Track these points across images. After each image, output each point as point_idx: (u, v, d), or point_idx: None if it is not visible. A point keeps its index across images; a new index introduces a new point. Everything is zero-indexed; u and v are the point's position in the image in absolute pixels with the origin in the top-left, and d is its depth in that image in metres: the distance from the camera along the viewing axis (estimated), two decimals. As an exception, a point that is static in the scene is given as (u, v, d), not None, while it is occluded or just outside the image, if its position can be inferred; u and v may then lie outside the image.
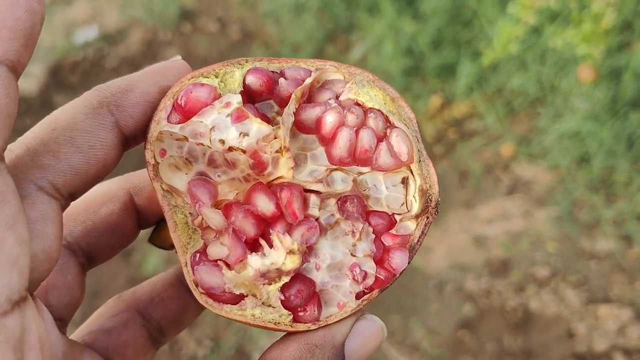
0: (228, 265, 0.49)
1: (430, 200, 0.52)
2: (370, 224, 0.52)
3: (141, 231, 0.62)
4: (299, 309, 0.50)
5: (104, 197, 0.57)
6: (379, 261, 0.52)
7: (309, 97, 0.53)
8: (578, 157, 2.36)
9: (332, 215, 0.53)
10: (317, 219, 0.52)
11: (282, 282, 0.49)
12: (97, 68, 3.01)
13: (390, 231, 0.53)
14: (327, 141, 0.51)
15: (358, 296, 0.52)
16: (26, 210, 0.39)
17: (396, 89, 0.55)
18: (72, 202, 0.46)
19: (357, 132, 0.51)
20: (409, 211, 0.53)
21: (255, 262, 0.48)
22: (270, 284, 0.49)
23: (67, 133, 0.44)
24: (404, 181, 0.53)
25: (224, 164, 0.50)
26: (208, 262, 0.49)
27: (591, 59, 2.11)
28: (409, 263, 0.52)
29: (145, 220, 0.60)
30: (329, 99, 0.52)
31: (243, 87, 0.50)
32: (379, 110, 0.52)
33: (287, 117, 0.50)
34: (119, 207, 0.57)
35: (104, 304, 0.61)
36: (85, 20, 3.21)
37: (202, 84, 0.49)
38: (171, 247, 0.58)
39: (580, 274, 2.16)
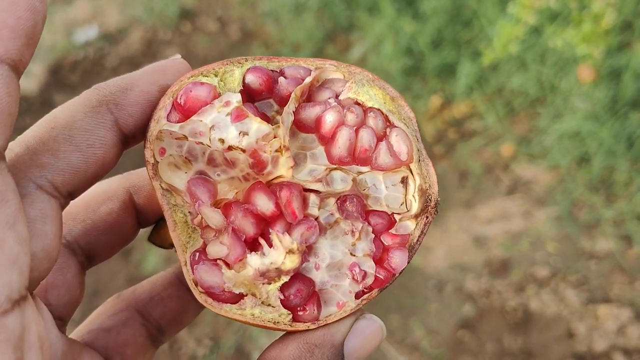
0: (227, 265, 0.49)
1: (430, 200, 0.52)
2: (369, 224, 0.52)
3: (141, 230, 0.62)
4: (298, 309, 0.50)
5: (103, 195, 0.57)
6: (379, 261, 0.52)
7: (309, 96, 0.53)
8: (578, 157, 2.36)
9: (332, 214, 0.53)
10: (316, 219, 0.52)
11: (281, 282, 0.49)
12: (98, 67, 3.01)
13: (389, 231, 0.53)
14: (327, 140, 0.51)
15: (357, 296, 0.52)
16: (25, 209, 0.39)
17: (396, 89, 0.55)
18: (72, 201, 0.46)
19: (356, 131, 0.51)
20: (408, 211, 0.53)
21: (254, 261, 0.48)
22: (270, 284, 0.49)
23: (66, 132, 0.44)
24: (404, 181, 0.53)
25: (224, 163, 0.50)
26: (207, 261, 0.49)
27: (591, 59, 2.11)
28: (408, 262, 0.52)
29: (144, 219, 0.60)
30: (329, 98, 0.52)
31: (243, 86, 0.50)
32: (378, 110, 0.52)
33: (287, 116, 0.50)
34: (119, 206, 0.57)
35: (104, 303, 0.61)
36: (86, 19, 3.21)
37: (202, 83, 0.49)
38: (170, 246, 0.58)
39: (580, 274, 2.16)
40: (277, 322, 0.49)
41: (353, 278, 0.51)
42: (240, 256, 0.48)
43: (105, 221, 0.57)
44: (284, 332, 0.51)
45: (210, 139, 0.48)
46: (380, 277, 0.52)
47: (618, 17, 2.12)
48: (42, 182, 0.42)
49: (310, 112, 0.51)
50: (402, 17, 2.66)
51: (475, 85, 2.58)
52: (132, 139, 0.49)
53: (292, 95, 0.50)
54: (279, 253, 0.48)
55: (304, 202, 0.51)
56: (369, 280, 0.51)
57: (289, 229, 0.50)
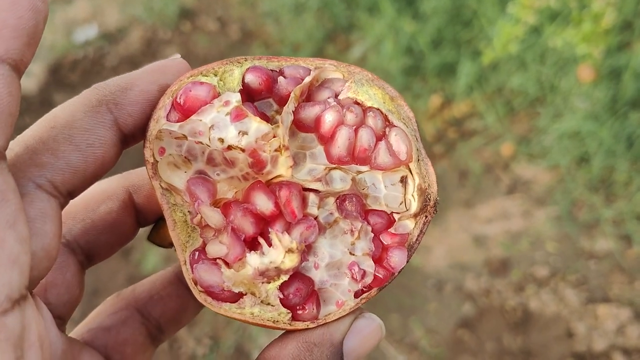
0: (227, 264, 0.49)
1: (429, 199, 0.52)
2: (369, 223, 0.52)
3: (140, 229, 0.62)
4: (297, 308, 0.50)
5: (103, 195, 0.57)
6: (378, 260, 0.52)
7: (308, 96, 0.53)
8: (578, 157, 2.36)
9: (331, 214, 0.53)
10: (316, 218, 0.52)
11: (280, 281, 0.49)
12: (97, 67, 3.01)
13: (389, 230, 0.53)
14: (326, 140, 0.51)
15: (357, 295, 0.52)
16: (25, 208, 0.39)
17: (396, 89, 0.55)
18: (71, 201, 0.46)
19: (356, 131, 0.51)
20: (407, 210, 0.53)
21: (254, 260, 0.48)
22: (269, 283, 0.49)
23: (65, 131, 0.44)
24: (403, 180, 0.53)
25: (223, 163, 0.50)
26: (207, 261, 0.49)
27: (591, 58, 2.11)
28: (407, 262, 0.52)
29: (144, 219, 0.60)
30: (328, 98, 0.52)
31: (242, 86, 0.50)
32: (378, 109, 0.52)
33: (286, 115, 0.50)
34: (118, 205, 0.57)
35: (103, 302, 0.61)
36: (86, 18, 3.21)
37: (201, 83, 0.49)
38: (170, 245, 0.58)
39: (579, 273, 2.16)
40: (277, 321, 0.49)
41: (352, 277, 0.51)
42: (239, 255, 0.49)
43: (105, 220, 0.57)
44: (283, 331, 0.52)
45: (209, 139, 0.48)
46: (380, 276, 0.52)
47: (618, 16, 2.12)
48: (42, 182, 0.42)
49: (310, 112, 0.51)
50: (402, 17, 2.67)
51: (475, 84, 2.58)
52: (131, 138, 0.49)
53: (292, 94, 0.50)
54: (278, 252, 0.48)
55: (304, 202, 0.51)
56: (368, 279, 0.51)
57: (288, 228, 0.50)
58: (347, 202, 0.53)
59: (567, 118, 2.37)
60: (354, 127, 0.51)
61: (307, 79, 0.51)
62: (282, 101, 0.51)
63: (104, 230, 0.57)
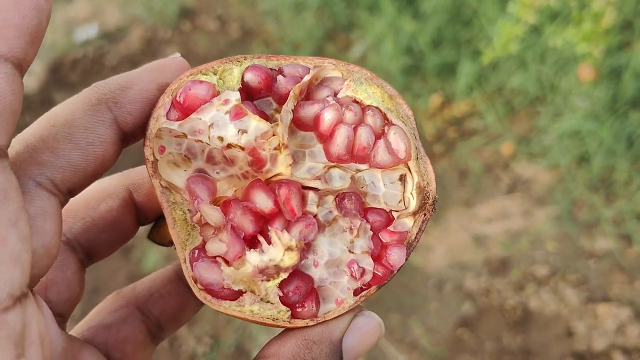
0: (227, 262, 0.49)
1: (428, 197, 0.53)
2: (368, 221, 0.53)
3: (141, 228, 0.62)
4: (297, 305, 0.50)
5: (103, 193, 0.57)
6: (377, 258, 0.52)
7: (307, 95, 0.53)
8: (578, 157, 2.36)
9: (330, 212, 0.53)
10: (315, 216, 0.52)
11: (280, 279, 0.49)
12: (97, 66, 3.02)
13: (387, 228, 0.53)
14: (325, 138, 0.52)
15: (356, 292, 0.52)
16: (25, 206, 0.39)
17: (396, 88, 0.55)
18: (72, 199, 0.46)
19: (355, 129, 0.51)
20: (406, 208, 0.53)
21: (253, 258, 0.48)
22: (269, 280, 0.50)
23: (65, 130, 0.44)
24: (402, 178, 0.53)
25: (223, 161, 0.50)
26: (207, 259, 0.50)
27: (591, 58, 2.11)
28: (406, 260, 0.53)
29: (144, 217, 0.61)
30: (327, 97, 0.52)
31: (241, 85, 0.51)
32: (377, 108, 0.52)
33: (286, 114, 0.50)
34: (118, 204, 0.58)
35: (104, 300, 0.61)
36: (86, 18, 3.21)
37: (201, 81, 0.49)
38: (170, 243, 0.58)
39: (579, 273, 2.16)
40: (276, 319, 0.50)
41: (351, 275, 0.51)
42: (239, 253, 0.49)
43: (105, 219, 0.57)
44: (283, 329, 0.52)
45: (209, 137, 0.48)
46: (379, 274, 0.52)
47: (618, 16, 2.12)
48: (42, 180, 0.42)
49: (309, 110, 0.51)
50: (402, 16, 2.67)
51: (475, 84, 2.58)
52: (131, 137, 0.50)
53: (291, 93, 0.50)
54: (278, 250, 0.48)
55: (303, 200, 0.52)
56: (367, 277, 0.52)
57: (287, 226, 0.51)
58: (346, 200, 0.53)
59: (567, 117, 2.37)
60: (353, 125, 0.51)
61: (306, 78, 0.52)
62: (282, 100, 0.51)
63: (104, 229, 0.57)
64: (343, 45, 2.89)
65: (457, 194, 2.42)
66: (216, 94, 0.49)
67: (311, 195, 0.52)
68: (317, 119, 0.51)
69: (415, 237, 0.53)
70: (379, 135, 0.52)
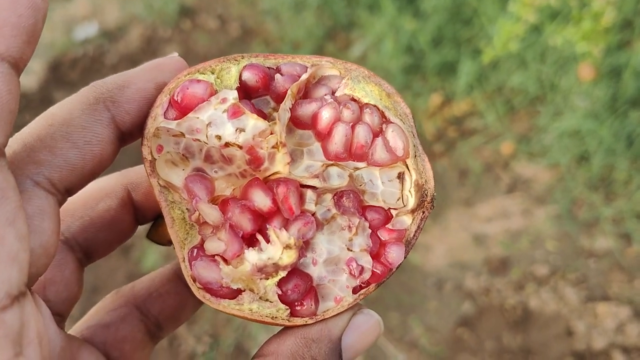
0: (225, 260, 0.49)
1: (426, 195, 0.53)
2: (366, 219, 0.53)
3: (140, 227, 0.62)
4: (296, 304, 0.50)
5: (101, 192, 0.57)
6: (376, 256, 0.53)
7: (305, 93, 0.53)
8: (578, 156, 2.36)
9: (329, 210, 0.53)
10: (313, 214, 0.52)
11: (279, 277, 0.50)
12: (97, 64, 3.01)
13: (386, 226, 0.53)
14: (323, 137, 0.52)
15: (355, 290, 0.52)
16: (23, 205, 0.39)
17: (396, 87, 0.55)
18: (70, 198, 0.46)
19: (353, 127, 0.51)
20: (405, 206, 0.53)
21: (252, 257, 0.48)
22: (268, 279, 0.50)
23: (63, 129, 0.44)
24: (400, 176, 0.53)
25: (221, 160, 0.50)
26: (205, 257, 0.50)
27: (591, 57, 2.11)
28: (405, 257, 0.53)
29: (142, 216, 0.61)
30: (325, 95, 0.52)
31: (239, 83, 0.51)
32: (374, 106, 0.52)
33: (283, 112, 0.50)
34: (117, 203, 0.58)
35: (102, 299, 0.61)
36: (85, 16, 3.21)
37: (198, 80, 0.49)
38: (169, 242, 0.58)
39: (579, 272, 2.16)
40: (275, 317, 0.50)
41: (350, 273, 0.51)
42: (237, 252, 0.49)
43: (103, 218, 0.57)
44: (282, 327, 0.52)
45: (207, 136, 0.48)
46: (377, 271, 0.52)
47: (618, 15, 2.12)
48: (40, 179, 0.42)
49: (307, 109, 0.51)
50: (402, 15, 2.66)
51: (475, 83, 2.58)
52: (129, 136, 0.49)
53: (289, 91, 0.50)
54: (276, 248, 0.49)
55: (301, 198, 0.52)
56: (366, 275, 0.52)
57: (286, 224, 0.51)
58: (344, 198, 0.53)
59: (567, 117, 2.37)
60: (351, 123, 0.51)
61: (304, 76, 0.52)
62: (279, 98, 0.51)
63: (103, 228, 0.57)
64: (343, 44, 2.89)
65: (457, 194, 2.42)
66: (214, 92, 0.49)
67: (309, 194, 0.52)
68: (314, 117, 0.51)
69: (414, 235, 0.53)
70: (377, 133, 0.52)
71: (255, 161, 0.50)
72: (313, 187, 0.52)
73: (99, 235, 0.57)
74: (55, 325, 0.45)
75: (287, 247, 0.48)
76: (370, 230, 0.52)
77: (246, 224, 0.49)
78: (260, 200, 0.50)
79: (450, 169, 2.47)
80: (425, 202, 0.53)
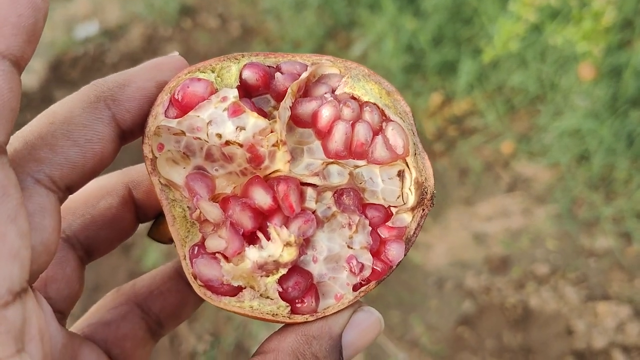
0: (226, 258, 0.49)
1: (426, 193, 0.53)
2: (366, 217, 0.53)
3: (141, 226, 0.62)
4: (296, 301, 0.50)
5: (102, 191, 0.58)
6: (376, 253, 0.53)
7: (305, 92, 0.53)
8: (578, 155, 2.36)
9: (329, 208, 0.53)
10: (313, 212, 0.52)
11: (279, 274, 0.50)
12: (98, 63, 3.02)
13: (386, 223, 0.53)
14: (324, 135, 0.52)
15: (355, 288, 0.52)
16: (24, 203, 0.40)
17: (397, 86, 0.55)
18: (71, 196, 0.47)
19: (353, 125, 0.51)
20: (404, 203, 0.53)
21: (252, 254, 0.49)
22: (268, 276, 0.50)
23: (64, 127, 0.44)
24: (400, 174, 0.54)
25: (222, 158, 0.51)
26: (206, 255, 0.50)
27: (591, 56, 2.11)
28: (405, 255, 0.53)
29: (143, 214, 0.61)
30: (325, 93, 0.52)
31: (240, 82, 0.51)
32: (374, 104, 0.53)
33: (284, 111, 0.50)
34: (118, 201, 0.58)
35: (103, 297, 0.61)
36: (86, 15, 3.21)
37: (199, 79, 0.49)
38: (170, 241, 0.58)
39: (579, 271, 2.16)
40: (276, 315, 0.50)
41: (350, 270, 0.52)
42: (238, 249, 0.49)
43: (105, 216, 0.57)
44: (283, 324, 0.52)
45: (207, 134, 0.49)
46: (378, 269, 0.52)
47: (618, 15, 2.12)
48: (40, 177, 0.42)
49: (307, 107, 0.52)
50: (403, 15, 2.66)
51: (475, 82, 2.58)
52: (130, 134, 0.50)
53: (289, 90, 0.50)
54: (277, 246, 0.49)
55: (301, 196, 0.52)
56: (367, 273, 0.52)
57: (286, 222, 0.51)
58: (344, 196, 0.53)
59: (568, 116, 2.37)
60: (351, 121, 0.51)
61: (304, 75, 0.52)
62: (280, 97, 0.51)
63: (104, 226, 0.57)
64: (344, 43, 2.89)
65: (457, 193, 2.42)
66: (214, 91, 0.49)
67: (310, 192, 0.52)
68: (315, 115, 0.51)
69: (414, 233, 0.54)
70: (377, 131, 0.52)
71: (255, 159, 0.50)
72: (313, 185, 0.52)
73: (100, 233, 0.57)
74: (57, 323, 0.45)
75: (288, 244, 0.49)
76: (370, 228, 0.53)
77: (247, 221, 0.50)
78: (261, 198, 0.50)
79: (451, 168, 2.48)
80: (425, 200, 0.53)
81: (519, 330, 2.07)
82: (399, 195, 0.53)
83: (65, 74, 2.99)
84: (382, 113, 0.53)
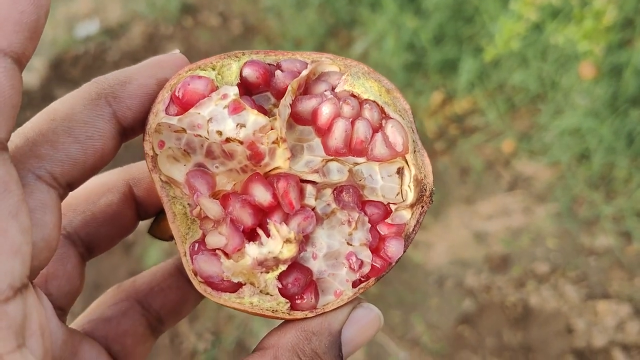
0: (226, 255, 0.50)
1: (425, 190, 0.53)
2: (366, 214, 0.53)
3: (142, 224, 0.62)
4: (296, 297, 0.51)
5: (103, 187, 0.58)
6: (375, 250, 0.53)
7: (305, 89, 0.54)
8: (578, 154, 2.36)
9: (328, 205, 0.53)
10: (313, 209, 0.52)
11: (279, 271, 0.50)
12: (99, 62, 3.02)
13: (385, 220, 0.54)
14: (323, 132, 0.52)
15: (354, 284, 0.52)
16: (25, 199, 0.40)
17: (398, 85, 0.55)
18: (72, 193, 0.47)
19: (352, 123, 0.51)
20: (404, 200, 0.53)
21: (252, 251, 0.49)
22: (268, 273, 0.50)
23: (65, 124, 0.44)
24: (399, 171, 0.54)
25: (222, 155, 0.51)
26: (207, 252, 0.50)
27: (592, 55, 2.11)
28: (404, 252, 0.53)
29: (144, 211, 0.61)
30: (325, 91, 0.53)
31: (240, 80, 0.51)
32: (374, 102, 0.53)
33: (284, 108, 0.51)
34: (118, 198, 0.58)
35: (104, 294, 0.62)
36: (87, 14, 3.21)
37: (200, 77, 0.49)
38: (170, 238, 0.58)
39: (579, 269, 2.16)
40: (276, 311, 0.50)
41: (350, 267, 0.52)
42: (238, 246, 0.49)
43: (105, 213, 0.57)
44: (282, 321, 0.52)
45: (208, 132, 0.49)
46: (377, 266, 0.52)
47: (619, 14, 2.12)
48: (41, 173, 0.42)
49: (307, 105, 0.52)
50: (404, 13, 2.66)
51: (476, 81, 2.58)
52: (130, 131, 0.50)
53: (289, 87, 0.51)
54: (277, 242, 0.49)
55: (301, 193, 0.52)
56: (366, 269, 0.52)
57: (286, 219, 0.51)
58: (344, 193, 0.53)
59: (568, 115, 2.37)
60: (351, 119, 0.51)
61: (304, 73, 0.52)
62: (280, 94, 0.52)
63: (104, 223, 0.57)
64: (345, 42, 2.89)
65: (458, 191, 2.42)
66: (215, 89, 0.50)
67: (309, 189, 0.52)
68: (315, 113, 0.52)
69: (413, 230, 0.54)
70: (377, 128, 0.52)
71: (255, 156, 0.50)
72: (313, 182, 0.53)
73: (101, 230, 0.57)
74: (57, 319, 0.45)
75: (287, 241, 0.49)
76: (369, 225, 0.53)
77: (247, 218, 0.50)
78: (261, 195, 0.50)
79: (452, 166, 2.48)
80: (424, 197, 0.53)
81: (519, 329, 2.07)
82: (398, 192, 0.54)
83: (66, 72, 2.99)
84: (382, 110, 0.53)
